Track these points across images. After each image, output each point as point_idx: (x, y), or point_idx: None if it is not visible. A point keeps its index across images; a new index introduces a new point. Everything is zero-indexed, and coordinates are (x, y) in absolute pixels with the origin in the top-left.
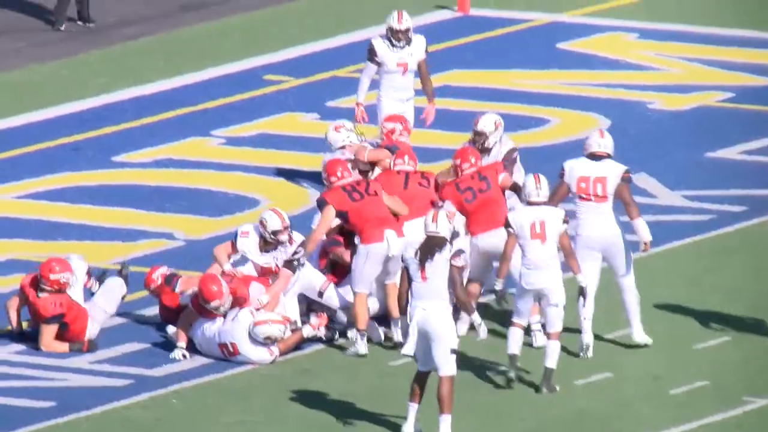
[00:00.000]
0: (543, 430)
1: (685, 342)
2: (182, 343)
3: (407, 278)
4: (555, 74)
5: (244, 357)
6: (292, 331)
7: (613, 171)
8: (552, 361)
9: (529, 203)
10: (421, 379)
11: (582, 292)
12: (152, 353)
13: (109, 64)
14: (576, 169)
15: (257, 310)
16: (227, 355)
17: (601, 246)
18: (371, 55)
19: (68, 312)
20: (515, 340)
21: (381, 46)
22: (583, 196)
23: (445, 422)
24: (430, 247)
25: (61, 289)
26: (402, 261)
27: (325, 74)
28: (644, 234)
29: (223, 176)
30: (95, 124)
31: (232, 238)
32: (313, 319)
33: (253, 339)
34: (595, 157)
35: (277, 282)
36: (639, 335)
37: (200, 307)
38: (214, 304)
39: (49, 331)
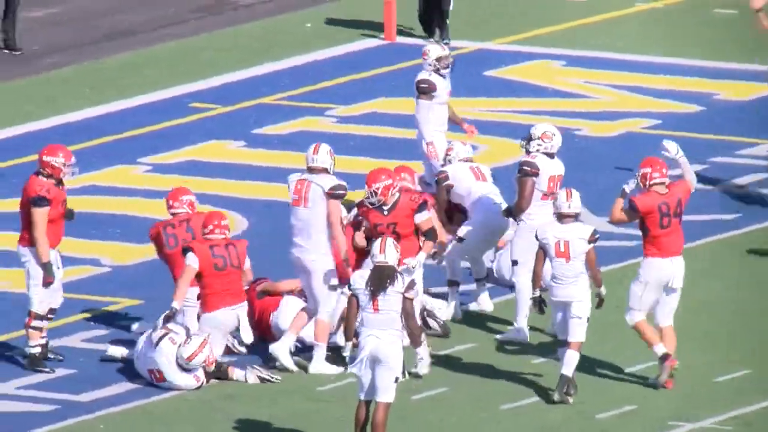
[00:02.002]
0: None
1: (614, 366)
2: (176, 303)
3: (356, 306)
4: (482, 102)
5: (171, 384)
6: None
7: (563, 170)
8: (569, 369)
9: (559, 216)
10: (365, 408)
11: (601, 301)
12: (79, 379)
13: (35, 92)
14: (545, 167)
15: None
16: (154, 380)
17: None
18: (429, 90)
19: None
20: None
21: (436, 79)
22: (547, 194)
23: None
24: (381, 278)
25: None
26: (349, 289)
27: (251, 102)
28: None
29: (150, 203)
30: (21, 152)
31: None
32: (250, 374)
33: (180, 366)
34: (552, 156)
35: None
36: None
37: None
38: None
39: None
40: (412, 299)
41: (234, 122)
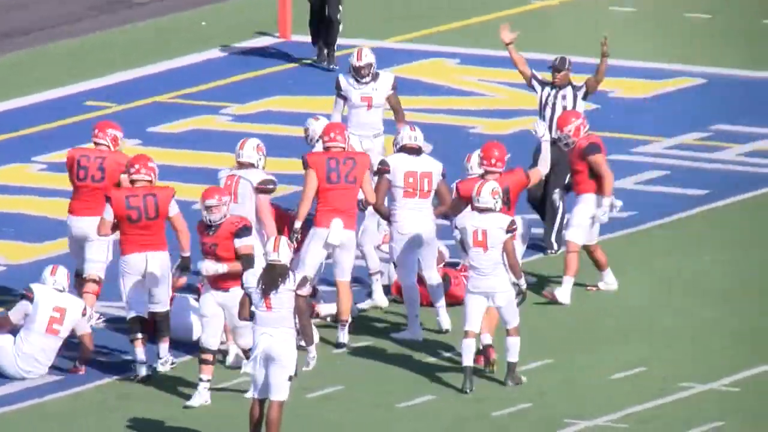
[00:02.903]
0: None
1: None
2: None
3: (249, 305)
4: None
5: (72, 314)
6: None
7: (434, 167)
8: (513, 355)
9: (473, 209)
10: (259, 407)
11: (521, 295)
12: None
13: None
14: (400, 164)
15: None
16: (59, 326)
17: (420, 242)
18: (336, 87)
19: None
20: (469, 351)
21: (345, 81)
22: (409, 191)
23: None
24: (273, 276)
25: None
26: (243, 288)
27: (147, 100)
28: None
29: (44, 202)
30: None
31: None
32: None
33: (59, 290)
34: (411, 150)
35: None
36: (446, 321)
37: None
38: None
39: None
40: (304, 296)
41: (129, 120)
